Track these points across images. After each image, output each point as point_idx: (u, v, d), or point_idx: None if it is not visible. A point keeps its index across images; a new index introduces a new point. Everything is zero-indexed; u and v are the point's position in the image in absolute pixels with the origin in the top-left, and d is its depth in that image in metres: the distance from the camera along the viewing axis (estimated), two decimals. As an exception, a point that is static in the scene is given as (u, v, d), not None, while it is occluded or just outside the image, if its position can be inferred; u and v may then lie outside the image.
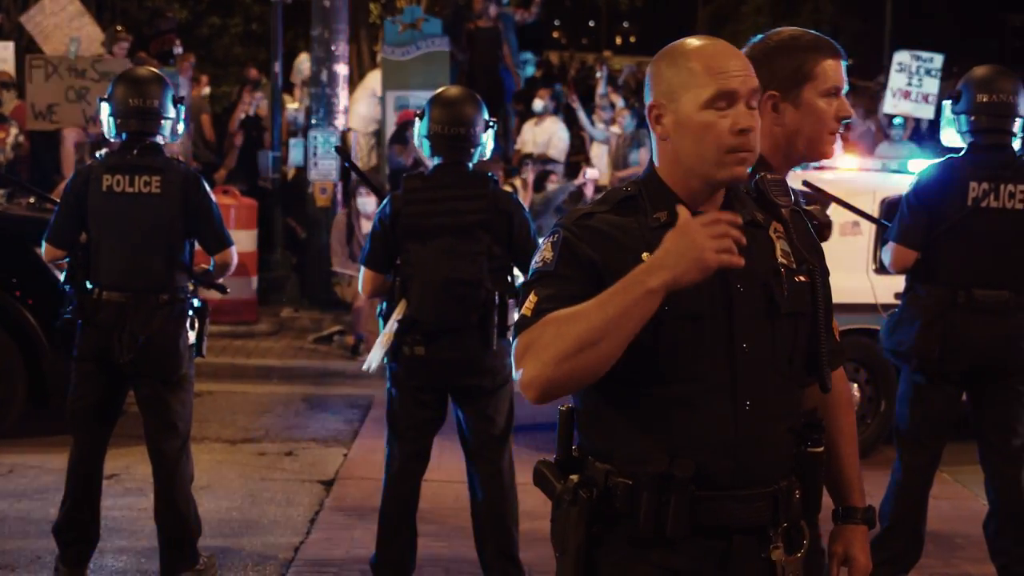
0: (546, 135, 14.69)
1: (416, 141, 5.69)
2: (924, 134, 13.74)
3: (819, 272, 2.86)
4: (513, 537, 5.57)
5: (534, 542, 6.25)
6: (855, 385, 8.30)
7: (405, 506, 5.55)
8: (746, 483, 2.71)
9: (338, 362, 10.88)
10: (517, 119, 15.28)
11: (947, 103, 5.67)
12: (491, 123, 5.55)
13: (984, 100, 5.44)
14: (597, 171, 13.41)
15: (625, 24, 64.69)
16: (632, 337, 2.58)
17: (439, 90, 5.65)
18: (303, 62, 15.69)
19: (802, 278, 2.82)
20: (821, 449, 2.81)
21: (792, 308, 2.79)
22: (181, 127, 5.84)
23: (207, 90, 15.91)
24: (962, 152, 5.54)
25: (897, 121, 13.59)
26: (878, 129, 14.73)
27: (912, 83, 12.67)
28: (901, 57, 12.95)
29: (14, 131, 12.37)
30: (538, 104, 14.88)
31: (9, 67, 12.74)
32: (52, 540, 5.77)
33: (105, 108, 5.72)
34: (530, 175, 12.88)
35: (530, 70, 18.39)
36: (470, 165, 5.50)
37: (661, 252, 2.55)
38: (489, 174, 5.58)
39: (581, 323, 2.57)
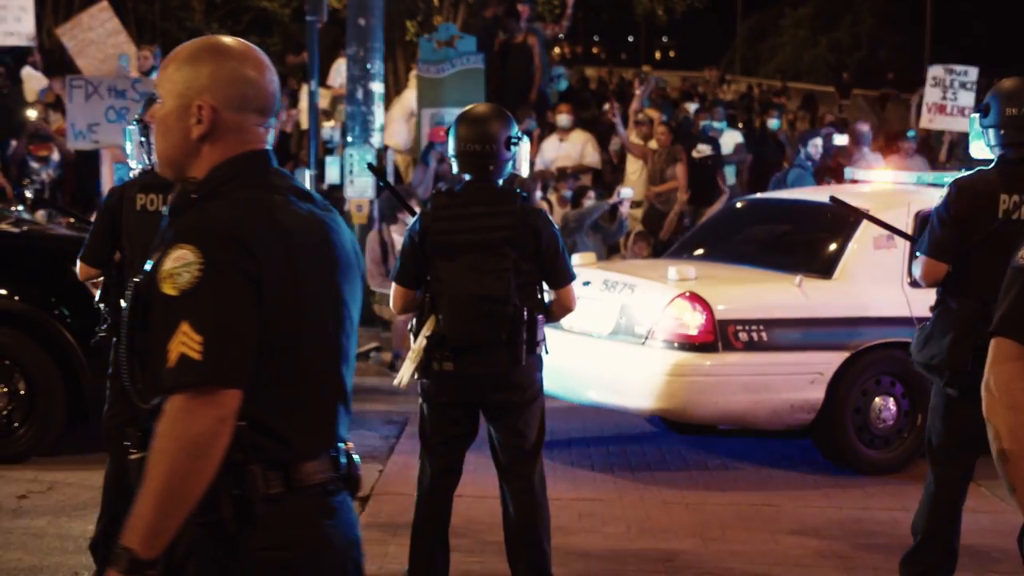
0: (577, 147, 14.53)
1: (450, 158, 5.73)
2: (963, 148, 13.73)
3: (149, 281, 2.66)
4: (545, 553, 5.57)
5: (566, 557, 6.26)
6: (891, 399, 8.25)
7: (437, 521, 5.58)
8: None
9: (375, 379, 10.90)
10: (536, 133, 15.00)
11: (975, 116, 5.65)
12: (514, 139, 5.55)
13: (1013, 113, 5.40)
14: (631, 190, 13.33)
15: (664, 39, 64.68)
16: None
17: (466, 108, 5.69)
18: (343, 65, 15.53)
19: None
20: (134, 456, 2.70)
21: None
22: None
23: None
24: (992, 164, 5.52)
25: (910, 134, 13.55)
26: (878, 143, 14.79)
27: (947, 97, 12.61)
28: (935, 71, 12.90)
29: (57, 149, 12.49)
30: (563, 119, 14.55)
31: (29, 17, 12.56)
32: (90, 556, 5.83)
33: (135, 130, 5.78)
34: (566, 190, 12.88)
35: (564, 84, 18.29)
36: (500, 181, 5.53)
37: None
38: (518, 190, 5.60)
39: None
